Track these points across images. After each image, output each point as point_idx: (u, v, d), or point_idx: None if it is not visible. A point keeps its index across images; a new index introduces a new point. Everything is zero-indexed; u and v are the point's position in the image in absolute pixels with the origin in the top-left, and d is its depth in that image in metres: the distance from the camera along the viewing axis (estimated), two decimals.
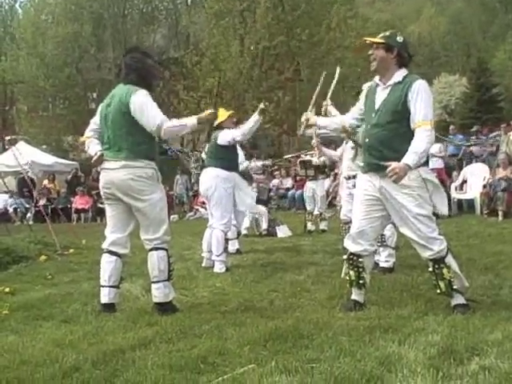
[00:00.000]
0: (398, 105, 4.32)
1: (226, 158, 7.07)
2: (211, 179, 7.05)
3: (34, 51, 29.59)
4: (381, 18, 39.87)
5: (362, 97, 4.80)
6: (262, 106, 6.65)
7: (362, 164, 4.65)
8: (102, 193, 4.92)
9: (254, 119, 6.63)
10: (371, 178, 4.47)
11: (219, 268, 6.82)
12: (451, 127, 18.11)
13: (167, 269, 4.75)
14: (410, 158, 4.11)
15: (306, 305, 4.80)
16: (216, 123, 7.00)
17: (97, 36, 31.63)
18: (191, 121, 4.74)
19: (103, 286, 4.84)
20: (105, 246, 4.89)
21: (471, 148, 15.67)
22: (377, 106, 4.47)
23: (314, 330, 3.86)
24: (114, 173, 4.69)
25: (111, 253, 4.85)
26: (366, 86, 6.72)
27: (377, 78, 4.57)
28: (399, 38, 4.45)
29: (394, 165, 4.08)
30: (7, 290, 5.92)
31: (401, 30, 36.42)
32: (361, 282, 4.55)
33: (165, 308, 4.69)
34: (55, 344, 3.85)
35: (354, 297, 4.62)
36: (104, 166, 4.78)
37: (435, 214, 4.40)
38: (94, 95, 33.73)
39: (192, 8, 30.30)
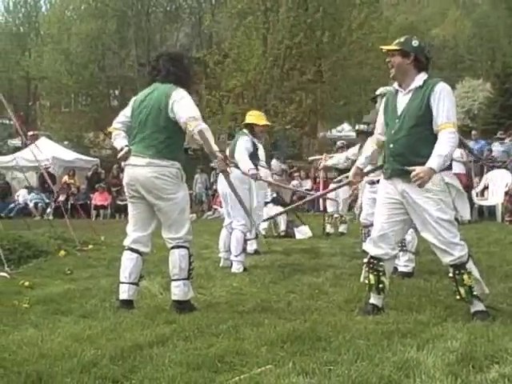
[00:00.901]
0: (420, 109, 4.30)
1: None
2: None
3: (58, 47, 29.81)
4: (405, 20, 39.60)
5: (381, 108, 4.78)
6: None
7: (385, 169, 4.62)
8: (125, 189, 4.92)
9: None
10: (393, 182, 4.45)
11: (237, 268, 6.82)
12: (473, 132, 17.94)
13: (187, 267, 4.76)
14: (434, 161, 4.09)
15: (323, 307, 4.78)
16: (251, 122, 7.09)
17: (120, 33, 31.79)
18: (213, 147, 4.67)
19: (123, 283, 4.85)
20: (126, 243, 4.91)
21: (493, 153, 15.50)
22: (399, 112, 4.44)
23: (332, 333, 3.85)
24: (140, 169, 4.69)
25: (132, 250, 4.86)
26: (380, 91, 6.72)
27: (396, 85, 4.55)
28: (414, 43, 4.42)
29: (418, 169, 4.06)
30: (27, 283, 5.98)
31: (425, 32, 36.29)
32: (380, 286, 4.51)
33: (183, 306, 4.70)
34: (74, 339, 3.88)
35: (372, 301, 4.59)
36: (130, 161, 4.77)
37: (456, 220, 4.37)
38: (116, 92, 33.92)
39: (216, 7, 30.30)
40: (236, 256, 6.90)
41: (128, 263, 4.85)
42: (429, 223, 4.27)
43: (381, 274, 4.50)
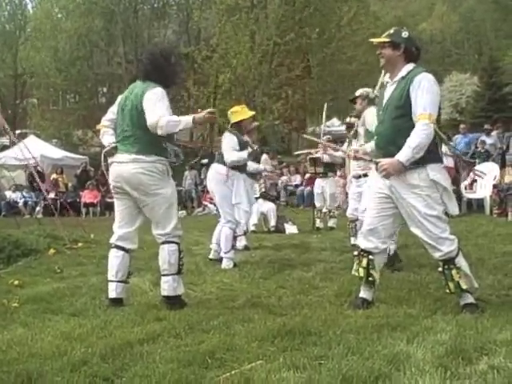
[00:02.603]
0: (400, 99, 4.30)
1: None
2: (215, 176, 7.13)
3: (46, 45, 29.67)
4: (392, 15, 39.70)
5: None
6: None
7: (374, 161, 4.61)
8: (111, 186, 4.93)
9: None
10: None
11: (227, 265, 6.82)
12: (462, 126, 17.99)
13: (177, 263, 4.76)
14: (402, 153, 4.13)
15: (314, 302, 4.79)
16: (237, 120, 7.06)
17: (108, 31, 31.66)
18: (186, 119, 4.61)
19: (111, 281, 4.85)
20: (112, 240, 4.91)
21: (486, 147, 15.53)
22: (384, 103, 4.47)
23: (322, 327, 3.86)
24: (124, 166, 4.70)
25: (118, 247, 4.87)
26: (360, 92, 6.70)
27: (387, 77, 4.60)
28: (404, 34, 4.43)
29: (383, 161, 4.12)
30: (16, 282, 5.95)
31: (412, 27, 36.30)
32: (370, 279, 4.52)
33: (172, 302, 4.70)
34: (64, 337, 3.86)
35: (362, 295, 4.60)
36: (115, 159, 4.78)
37: (446, 214, 4.38)
38: (105, 90, 33.80)
39: (203, 3, 30.23)
40: (225, 253, 6.90)
41: (115, 261, 4.85)
42: (416, 219, 4.28)
43: (370, 267, 4.51)
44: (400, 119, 4.31)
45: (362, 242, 4.57)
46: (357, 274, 4.61)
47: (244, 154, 6.97)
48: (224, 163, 6.98)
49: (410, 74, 4.31)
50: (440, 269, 4.35)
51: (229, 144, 7.01)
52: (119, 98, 4.95)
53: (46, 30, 30.25)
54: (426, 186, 4.25)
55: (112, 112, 4.97)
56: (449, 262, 4.28)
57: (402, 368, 3.07)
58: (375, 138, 4.59)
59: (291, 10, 25.10)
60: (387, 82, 4.56)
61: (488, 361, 3.15)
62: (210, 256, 7.30)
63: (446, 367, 3.04)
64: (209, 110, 4.78)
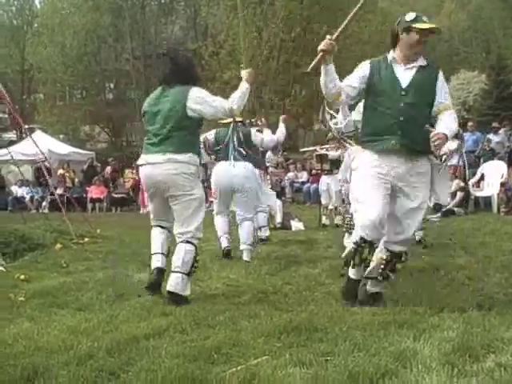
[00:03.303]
0: (428, 88, 4.39)
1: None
2: (247, 173, 7.45)
3: (53, 40, 29.72)
4: (400, 12, 39.52)
5: (361, 72, 4.61)
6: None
7: (385, 142, 4.40)
8: (144, 186, 5.15)
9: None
10: (390, 159, 4.38)
11: (248, 257, 7.06)
12: (469, 124, 17.91)
13: (191, 263, 4.83)
14: (446, 132, 4.18)
15: (320, 298, 4.79)
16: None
17: (115, 26, 31.69)
18: (244, 86, 5.01)
19: (156, 253, 5.05)
20: (154, 223, 5.15)
21: (492, 145, 15.49)
22: (404, 85, 4.41)
23: (328, 324, 3.85)
24: (159, 167, 4.83)
25: (161, 227, 5.13)
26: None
27: (390, 56, 4.52)
28: None
29: (436, 132, 4.14)
30: (23, 277, 5.96)
31: None
32: (362, 263, 4.46)
33: (176, 299, 4.70)
34: (70, 331, 3.87)
35: (351, 275, 4.55)
36: (147, 160, 4.92)
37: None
38: (112, 85, 33.85)
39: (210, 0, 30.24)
40: (248, 244, 7.16)
41: (159, 236, 5.11)
42: (415, 208, 4.36)
43: (369, 257, 4.44)
44: (427, 106, 4.39)
45: (369, 232, 4.35)
46: (350, 261, 4.50)
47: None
48: (255, 162, 7.49)
49: (431, 66, 4.49)
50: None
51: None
52: (145, 109, 5.07)
53: (54, 25, 30.29)
54: (428, 175, 4.39)
55: None
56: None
57: (408, 365, 3.05)
58: (399, 118, 4.35)
59: (299, 7, 25.03)
60: (390, 62, 4.49)
61: (495, 358, 3.13)
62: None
63: (453, 364, 3.02)
64: (246, 70, 5.10)
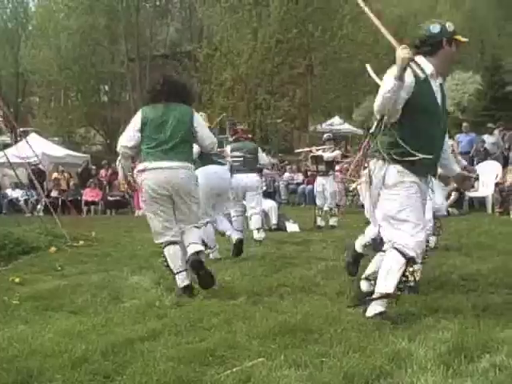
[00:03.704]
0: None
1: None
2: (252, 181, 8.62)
3: (48, 42, 29.66)
4: (394, 13, 39.56)
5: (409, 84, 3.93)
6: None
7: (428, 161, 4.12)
8: (152, 191, 5.14)
9: None
10: (422, 180, 4.19)
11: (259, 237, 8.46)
12: (464, 125, 17.94)
13: (204, 240, 5.73)
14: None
15: (315, 300, 4.78)
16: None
17: (110, 29, 31.62)
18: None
19: (181, 272, 5.14)
20: (166, 239, 5.21)
21: (486, 145, 15.54)
22: (439, 101, 4.15)
23: (324, 325, 3.85)
24: (173, 172, 5.13)
25: (174, 243, 5.21)
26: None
27: (429, 69, 4.06)
28: None
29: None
30: (17, 280, 5.95)
31: (414, 26, 36.25)
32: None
33: (200, 266, 5.09)
34: (64, 334, 3.86)
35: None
36: (159, 165, 5.11)
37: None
38: (107, 88, 33.80)
39: (206, 1, 30.20)
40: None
41: (178, 254, 5.19)
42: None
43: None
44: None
45: (420, 251, 4.10)
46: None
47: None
48: (257, 171, 8.45)
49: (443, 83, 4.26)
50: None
51: None
52: (150, 119, 5.21)
53: (49, 27, 30.22)
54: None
55: (137, 130, 5.24)
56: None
57: (403, 366, 3.06)
58: (438, 138, 4.17)
59: (294, 8, 25.04)
60: (427, 76, 4.03)
61: (490, 359, 3.14)
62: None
63: (448, 365, 3.03)
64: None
